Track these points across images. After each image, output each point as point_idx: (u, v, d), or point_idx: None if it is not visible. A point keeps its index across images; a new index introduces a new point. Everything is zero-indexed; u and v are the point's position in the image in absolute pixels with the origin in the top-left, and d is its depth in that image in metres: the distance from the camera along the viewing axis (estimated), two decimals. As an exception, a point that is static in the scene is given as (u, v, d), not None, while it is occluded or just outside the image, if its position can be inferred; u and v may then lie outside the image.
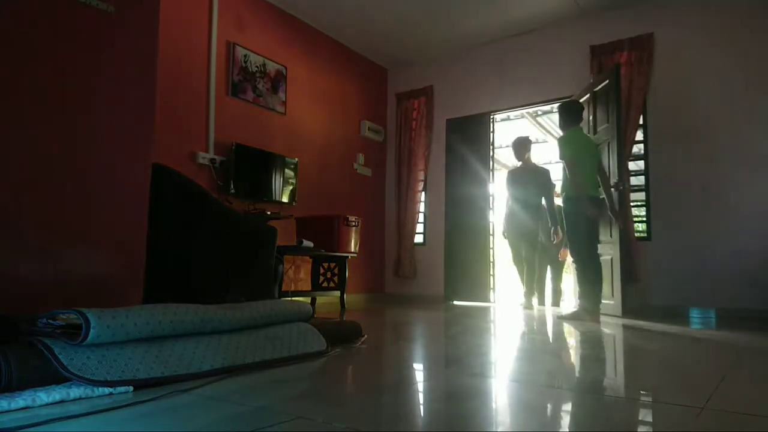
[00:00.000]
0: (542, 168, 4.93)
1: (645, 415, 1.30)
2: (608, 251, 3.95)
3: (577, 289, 3.71)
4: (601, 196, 3.76)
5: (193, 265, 2.39)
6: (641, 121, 4.35)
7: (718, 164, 4.03)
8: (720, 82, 4.08)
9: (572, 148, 3.68)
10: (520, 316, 3.96)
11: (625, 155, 4.21)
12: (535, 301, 4.79)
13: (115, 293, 1.90)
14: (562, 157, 3.71)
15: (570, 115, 3.82)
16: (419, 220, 5.65)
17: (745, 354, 2.17)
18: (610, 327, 3.17)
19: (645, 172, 4.35)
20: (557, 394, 1.49)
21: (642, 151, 4.39)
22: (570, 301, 5.07)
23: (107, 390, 1.27)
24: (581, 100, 4.49)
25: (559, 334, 3.03)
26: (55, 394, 1.20)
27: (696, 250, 4.05)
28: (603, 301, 4.04)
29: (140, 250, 2.00)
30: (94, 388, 1.26)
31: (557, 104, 4.11)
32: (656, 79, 4.30)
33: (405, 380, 1.72)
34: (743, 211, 3.90)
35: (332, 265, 4.54)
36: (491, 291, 5.20)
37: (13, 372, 1.20)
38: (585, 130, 4.43)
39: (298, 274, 4.67)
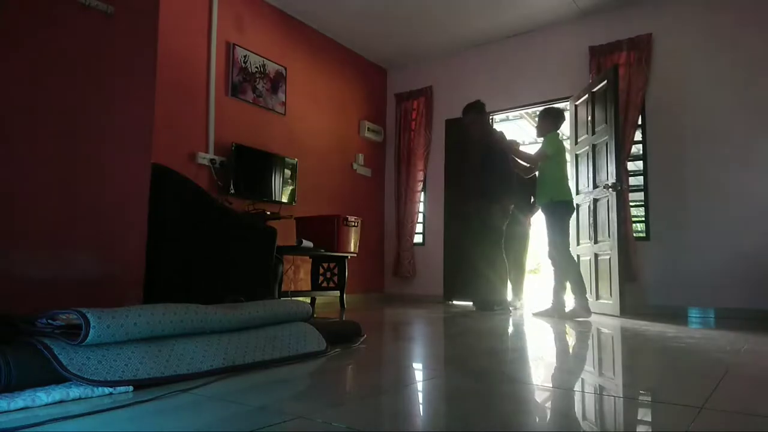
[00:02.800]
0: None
1: (644, 414, 1.30)
2: (606, 251, 3.96)
3: (572, 288, 3.76)
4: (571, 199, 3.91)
5: (192, 265, 2.39)
6: (640, 122, 4.35)
7: (716, 164, 4.03)
8: (718, 81, 4.08)
9: (553, 149, 3.83)
10: (516, 315, 3.96)
11: (623, 155, 4.22)
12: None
13: (115, 293, 1.90)
14: (538, 150, 3.89)
15: (550, 120, 3.96)
16: (418, 220, 5.65)
17: (744, 354, 2.17)
18: (609, 327, 3.17)
19: (644, 173, 4.35)
20: (556, 393, 1.50)
21: (641, 152, 4.39)
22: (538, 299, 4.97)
23: (107, 390, 1.27)
24: (580, 101, 4.51)
25: (555, 334, 3.04)
26: (55, 394, 1.20)
27: (695, 249, 4.06)
28: (602, 301, 4.07)
29: (140, 251, 2.01)
30: (94, 388, 1.26)
31: (541, 110, 4.21)
32: (655, 80, 4.31)
33: (405, 380, 1.72)
34: (742, 211, 3.91)
35: (332, 265, 4.55)
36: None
37: (13, 372, 1.20)
38: (584, 130, 4.45)
39: (297, 274, 4.68)
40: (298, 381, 1.63)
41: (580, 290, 3.69)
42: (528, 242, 4.75)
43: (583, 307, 3.65)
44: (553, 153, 3.81)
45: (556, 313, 3.71)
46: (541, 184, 3.87)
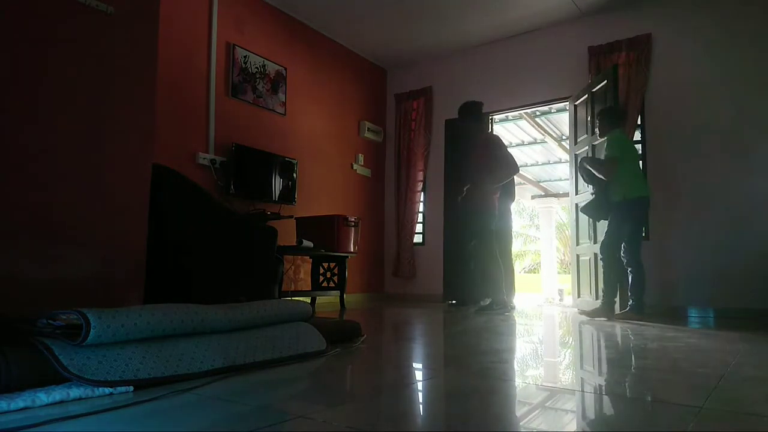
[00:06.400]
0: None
1: (643, 414, 1.30)
2: (607, 251, 3.96)
3: (605, 288, 3.66)
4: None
5: (193, 265, 2.39)
6: (639, 122, 4.35)
7: (715, 164, 4.04)
8: (718, 81, 4.08)
9: (619, 150, 3.64)
10: (516, 314, 3.96)
11: (624, 155, 4.22)
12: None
13: (115, 294, 1.90)
14: (606, 157, 3.69)
15: (607, 120, 3.77)
16: (418, 220, 5.65)
17: (744, 354, 2.17)
18: (608, 326, 3.17)
19: (643, 172, 4.35)
20: (555, 393, 1.50)
21: (640, 151, 4.39)
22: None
23: (107, 390, 1.27)
24: (580, 101, 4.51)
25: (557, 333, 3.04)
26: (55, 394, 1.20)
27: (694, 249, 4.06)
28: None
29: (140, 251, 2.01)
30: (95, 388, 1.26)
31: (598, 110, 3.99)
32: (654, 80, 4.31)
33: (405, 380, 1.72)
34: (741, 210, 3.91)
35: (332, 265, 4.55)
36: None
37: (13, 372, 1.20)
38: (584, 130, 4.45)
39: (298, 274, 4.68)
40: (298, 381, 1.63)
41: (613, 293, 3.62)
42: (511, 240, 4.71)
43: (609, 309, 3.60)
44: (620, 155, 3.62)
45: (604, 313, 3.60)
46: (613, 184, 3.68)
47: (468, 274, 4.54)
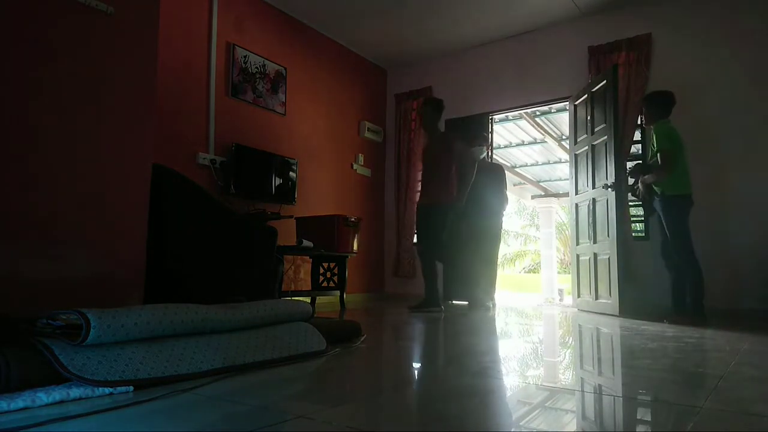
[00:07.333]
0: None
1: (643, 414, 1.30)
2: (606, 251, 3.96)
3: (689, 291, 3.46)
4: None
5: (193, 265, 2.39)
6: (639, 121, 4.36)
7: (715, 164, 4.03)
8: (717, 81, 4.08)
9: (667, 140, 3.42)
10: (515, 314, 3.96)
11: (622, 155, 4.22)
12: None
13: (115, 294, 1.90)
14: (659, 151, 3.45)
15: (655, 107, 3.56)
16: (418, 220, 5.65)
17: (743, 354, 2.17)
18: (608, 326, 3.17)
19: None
20: (556, 393, 1.50)
21: (640, 152, 4.39)
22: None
23: (107, 390, 1.27)
24: (579, 101, 4.50)
25: (557, 333, 3.04)
26: (55, 394, 1.20)
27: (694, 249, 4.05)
28: (601, 301, 4.05)
29: (140, 251, 2.01)
30: (95, 388, 1.26)
31: (645, 95, 3.78)
32: (654, 79, 4.30)
33: (404, 380, 1.72)
34: (740, 211, 3.91)
35: (332, 264, 4.55)
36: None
37: (13, 372, 1.20)
38: (583, 130, 4.44)
39: (298, 274, 4.68)
40: (298, 381, 1.63)
41: (698, 295, 3.37)
42: (499, 241, 4.75)
43: (699, 315, 3.33)
44: (670, 146, 3.39)
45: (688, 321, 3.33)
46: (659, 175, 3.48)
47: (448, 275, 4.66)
